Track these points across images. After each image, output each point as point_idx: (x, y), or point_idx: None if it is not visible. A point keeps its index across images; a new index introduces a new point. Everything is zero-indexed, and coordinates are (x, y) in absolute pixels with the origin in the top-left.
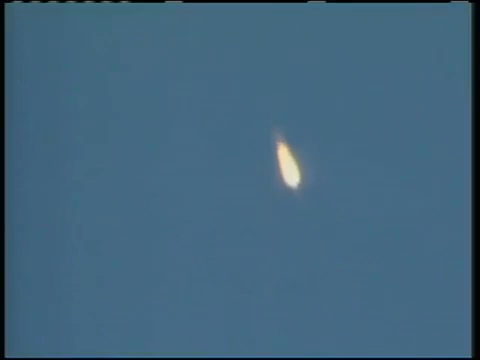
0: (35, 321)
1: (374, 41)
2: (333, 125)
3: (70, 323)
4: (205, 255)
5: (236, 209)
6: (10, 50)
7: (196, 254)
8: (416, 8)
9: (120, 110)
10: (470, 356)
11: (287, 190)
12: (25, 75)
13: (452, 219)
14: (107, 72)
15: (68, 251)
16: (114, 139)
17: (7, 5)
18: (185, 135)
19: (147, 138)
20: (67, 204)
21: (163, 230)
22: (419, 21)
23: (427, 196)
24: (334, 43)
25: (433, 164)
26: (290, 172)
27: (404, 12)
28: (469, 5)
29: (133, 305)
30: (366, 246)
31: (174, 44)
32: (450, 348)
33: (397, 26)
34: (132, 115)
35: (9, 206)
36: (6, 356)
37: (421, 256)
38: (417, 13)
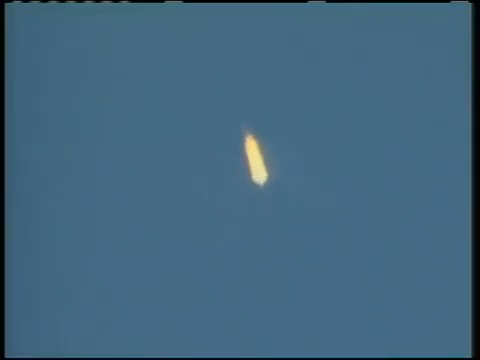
0: (35, 321)
1: (374, 41)
2: (332, 124)
3: (70, 323)
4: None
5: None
6: (10, 50)
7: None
8: (416, 8)
9: (119, 110)
10: (470, 356)
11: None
12: (25, 75)
13: (452, 219)
14: (107, 72)
15: (68, 252)
16: (113, 138)
17: (7, 5)
18: (182, 133)
19: (146, 138)
20: (67, 203)
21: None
22: (419, 21)
23: (426, 197)
24: (334, 43)
25: (432, 165)
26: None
27: (404, 12)
28: (469, 5)
29: (132, 305)
30: (367, 244)
31: (174, 44)
32: (450, 348)
33: (397, 26)
34: (131, 115)
35: (9, 206)
36: (6, 356)
37: (420, 256)
38: (417, 13)
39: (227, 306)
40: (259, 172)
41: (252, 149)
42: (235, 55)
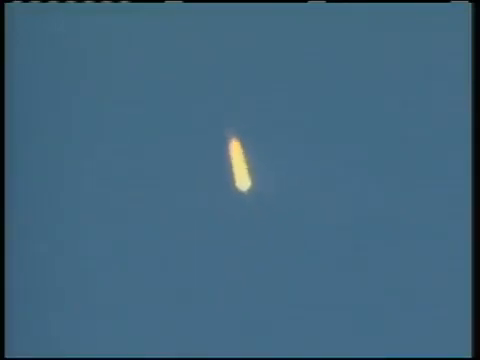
0: (35, 321)
1: (374, 41)
2: (334, 125)
3: (70, 323)
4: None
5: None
6: (10, 50)
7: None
8: (416, 8)
9: (119, 109)
10: (470, 356)
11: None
12: (25, 75)
13: (451, 219)
14: (107, 72)
15: (68, 252)
16: (114, 138)
17: (7, 5)
18: (181, 131)
19: (146, 138)
20: (67, 204)
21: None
22: (419, 21)
23: (425, 197)
24: (334, 43)
25: (432, 165)
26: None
27: (404, 12)
28: (469, 5)
29: (131, 305)
30: (366, 245)
31: (174, 44)
32: (450, 348)
33: (397, 26)
34: (131, 114)
35: (9, 205)
36: (6, 356)
37: (420, 256)
38: (417, 13)
39: (224, 307)
40: (243, 179)
41: (238, 156)
42: (235, 55)
